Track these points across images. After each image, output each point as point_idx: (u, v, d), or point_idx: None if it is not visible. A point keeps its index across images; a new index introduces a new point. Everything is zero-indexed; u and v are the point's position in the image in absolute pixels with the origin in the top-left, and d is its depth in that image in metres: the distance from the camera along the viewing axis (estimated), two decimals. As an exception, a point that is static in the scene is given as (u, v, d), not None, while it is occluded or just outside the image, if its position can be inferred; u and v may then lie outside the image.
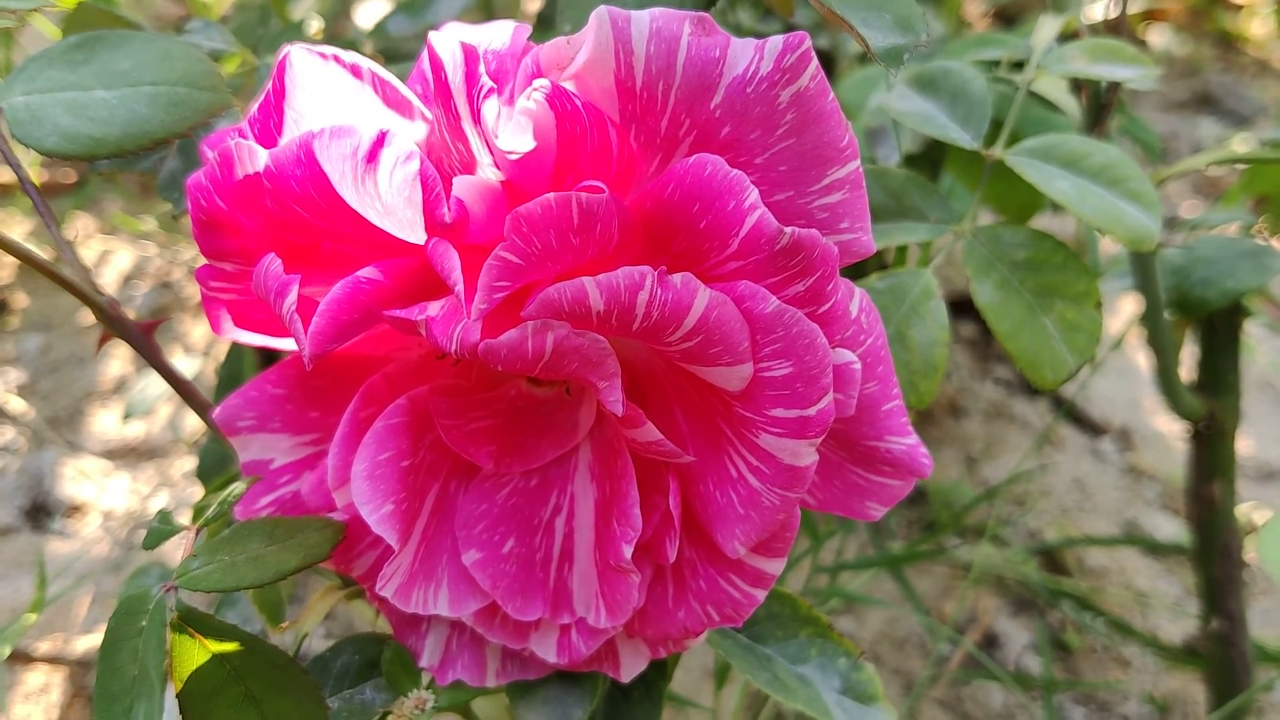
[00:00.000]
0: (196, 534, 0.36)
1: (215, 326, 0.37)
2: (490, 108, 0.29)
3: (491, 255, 0.28)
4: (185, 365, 0.67)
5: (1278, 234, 0.52)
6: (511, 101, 0.31)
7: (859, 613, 0.76)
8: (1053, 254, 0.42)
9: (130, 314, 0.38)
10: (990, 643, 0.77)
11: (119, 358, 0.89)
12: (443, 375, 0.36)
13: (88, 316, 0.93)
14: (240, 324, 0.36)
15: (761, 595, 0.35)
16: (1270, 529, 0.28)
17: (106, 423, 0.85)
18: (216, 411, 0.37)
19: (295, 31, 0.53)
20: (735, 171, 0.29)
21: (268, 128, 0.33)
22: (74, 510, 0.78)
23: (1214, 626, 0.67)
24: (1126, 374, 1.04)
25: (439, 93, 0.31)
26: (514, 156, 0.29)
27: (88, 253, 0.97)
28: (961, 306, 0.98)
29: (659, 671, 0.39)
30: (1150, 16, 1.69)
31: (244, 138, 0.33)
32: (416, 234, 0.30)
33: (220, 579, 0.34)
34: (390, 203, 0.30)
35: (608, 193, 0.28)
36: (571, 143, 0.30)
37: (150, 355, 0.38)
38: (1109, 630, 0.79)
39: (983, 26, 1.52)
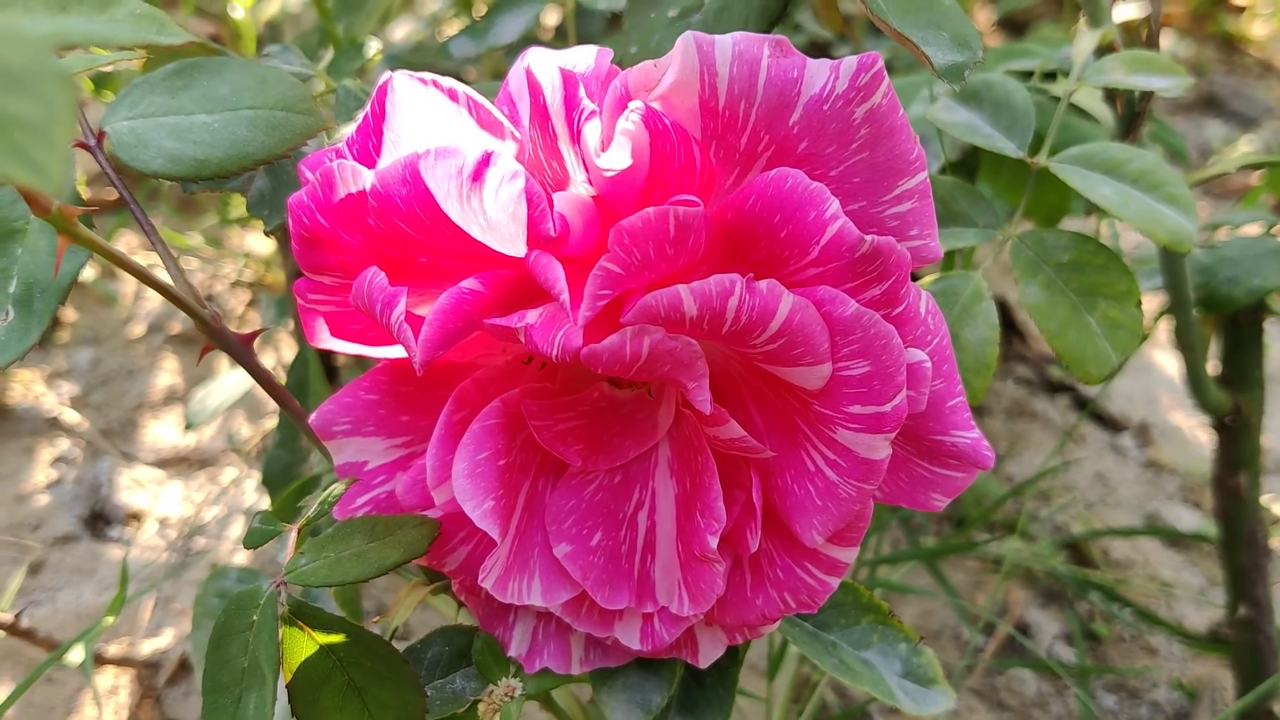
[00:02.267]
0: (297, 534, 0.38)
1: (310, 336, 0.39)
2: (592, 129, 0.31)
3: (597, 266, 0.30)
4: (233, 375, 0.69)
5: (1302, 233, 0.54)
6: (596, 98, 0.33)
7: (895, 605, 0.78)
8: (1095, 255, 0.43)
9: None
10: (1022, 632, 0.79)
11: (167, 370, 0.91)
12: (528, 379, 0.38)
13: (135, 330, 0.95)
14: (336, 334, 0.38)
15: (835, 582, 0.36)
16: None
17: (158, 432, 0.87)
18: (313, 417, 0.39)
19: (356, 53, 0.54)
20: (816, 184, 0.31)
21: (366, 149, 0.35)
22: (131, 518, 0.80)
23: (1241, 613, 0.69)
24: (1145, 371, 1.06)
25: (535, 114, 0.33)
26: (610, 173, 0.31)
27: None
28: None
29: (732, 658, 0.41)
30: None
31: (343, 158, 0.35)
32: (517, 247, 0.32)
33: (327, 574, 0.35)
34: (494, 218, 0.31)
35: (701, 206, 0.30)
36: (661, 159, 0.32)
37: (249, 365, 0.39)
38: (1136, 619, 0.80)
39: (992, 36, 1.53)
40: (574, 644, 0.39)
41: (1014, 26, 1.62)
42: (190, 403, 0.68)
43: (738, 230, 0.33)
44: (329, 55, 0.58)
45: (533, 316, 0.32)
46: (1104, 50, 0.46)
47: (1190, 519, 0.90)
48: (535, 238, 0.31)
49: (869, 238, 0.31)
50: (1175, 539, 0.88)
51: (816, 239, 0.31)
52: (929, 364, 0.34)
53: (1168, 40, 1.83)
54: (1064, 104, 0.45)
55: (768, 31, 0.40)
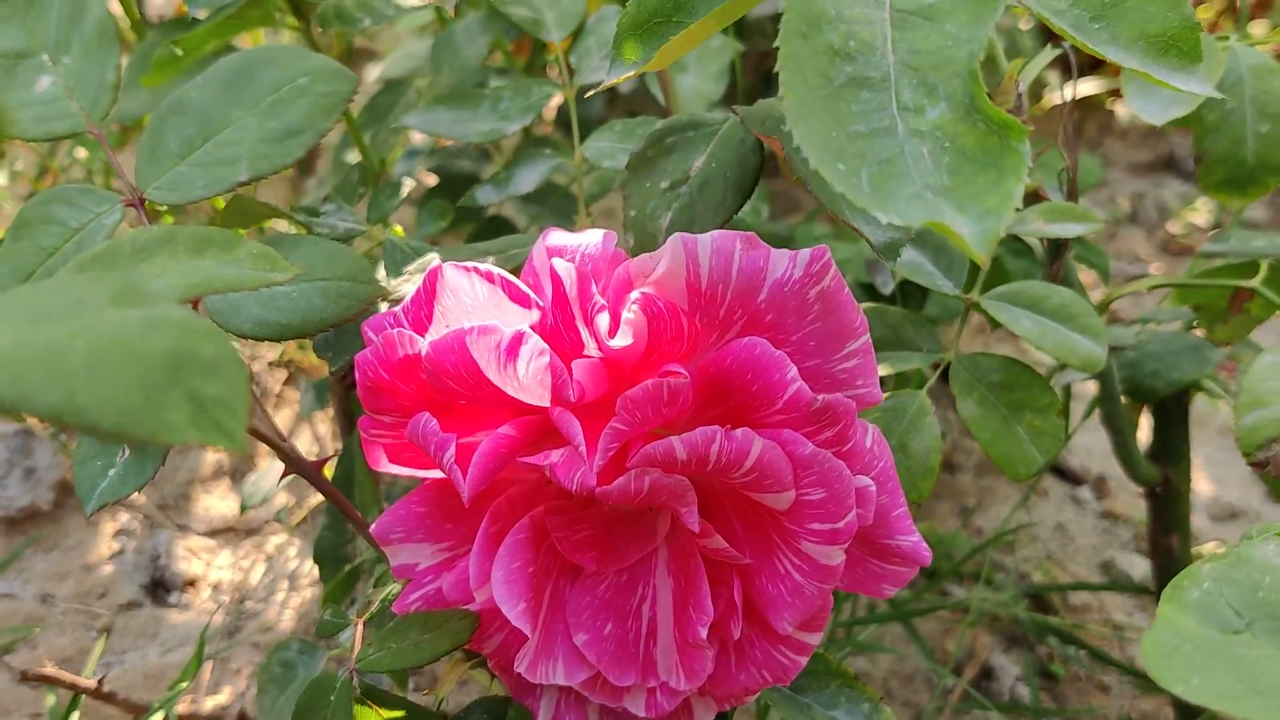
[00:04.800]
0: (362, 625, 0.45)
1: (372, 461, 0.46)
2: (602, 319, 0.38)
3: (608, 426, 0.37)
4: (278, 462, 0.76)
5: (1210, 335, 0.61)
6: (604, 293, 0.41)
7: (872, 653, 0.85)
8: (1021, 375, 0.51)
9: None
10: (987, 675, 0.85)
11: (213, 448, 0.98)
12: (549, 497, 0.45)
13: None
14: (393, 460, 0.46)
15: (804, 660, 0.43)
16: (1151, 636, 0.35)
17: (209, 505, 0.94)
18: (374, 527, 0.46)
19: (394, 192, 0.62)
20: (779, 353, 0.38)
21: (419, 317, 0.42)
22: (188, 584, 0.87)
23: (1178, 658, 0.75)
24: (1101, 429, 1.12)
25: (557, 299, 0.40)
26: (617, 348, 0.38)
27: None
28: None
29: (722, 720, 0.48)
30: (1116, 94, 1.77)
31: (399, 325, 0.42)
32: (543, 401, 0.39)
33: (391, 662, 0.43)
34: (526, 383, 0.39)
35: (688, 376, 0.38)
36: (657, 333, 0.39)
37: (321, 486, 0.47)
38: (1090, 661, 0.87)
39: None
40: (590, 713, 0.46)
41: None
42: (245, 486, 0.75)
43: (718, 382, 0.40)
44: (369, 194, 0.65)
45: (556, 456, 0.39)
46: (1031, 196, 0.53)
47: (1142, 566, 0.97)
48: (558, 399, 0.39)
49: (820, 397, 0.38)
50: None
51: (780, 394, 0.39)
52: (873, 487, 0.41)
53: (1126, 110, 1.91)
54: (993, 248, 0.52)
55: (742, 201, 0.48)
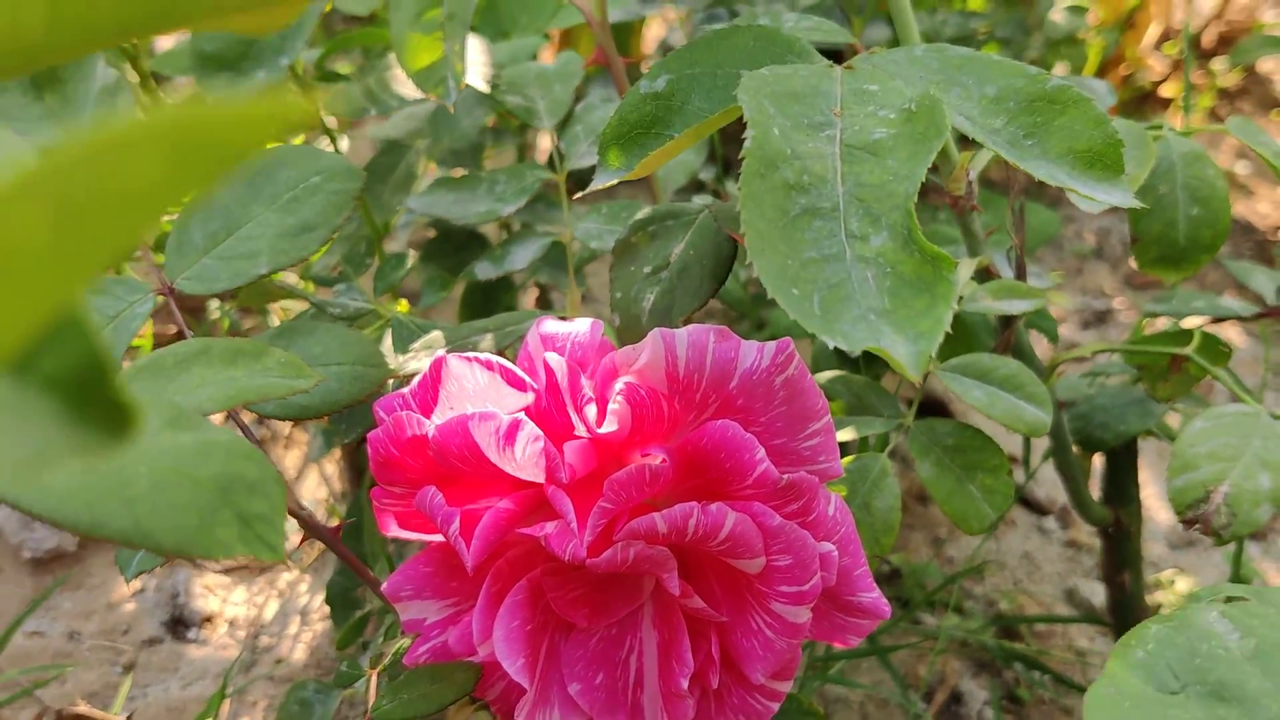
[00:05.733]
0: (376, 675, 0.49)
1: (383, 528, 0.49)
2: (590, 411, 0.41)
3: (596, 505, 0.41)
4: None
5: (1153, 393, 0.64)
6: (592, 378, 0.44)
7: (849, 685, 0.88)
8: (974, 439, 0.54)
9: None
10: (956, 700, 0.89)
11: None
12: (545, 560, 0.48)
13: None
14: (402, 526, 0.49)
15: (776, 706, 0.47)
16: (1095, 689, 0.38)
17: (223, 543, 0.97)
18: (385, 586, 0.49)
19: (399, 264, 0.65)
20: (749, 435, 0.42)
21: (425, 400, 0.46)
22: (206, 621, 0.90)
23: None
24: (1065, 461, 1.16)
25: (550, 387, 0.43)
26: (604, 433, 0.42)
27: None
28: (932, 408, 1.11)
29: (703, 758, 0.51)
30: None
31: (408, 407, 0.46)
32: (538, 479, 0.43)
33: (403, 712, 0.46)
34: (522, 464, 0.42)
35: (668, 460, 0.41)
36: (640, 415, 0.43)
37: (339, 551, 0.50)
38: (1054, 685, 0.90)
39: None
40: (584, 753, 0.49)
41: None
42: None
43: (695, 458, 0.44)
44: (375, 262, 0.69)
45: (550, 528, 0.43)
46: (982, 273, 0.57)
47: (1103, 592, 1.01)
48: (551, 479, 0.42)
49: (786, 476, 0.42)
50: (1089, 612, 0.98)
51: (750, 472, 0.42)
52: (835, 552, 0.44)
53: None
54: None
55: (718, 286, 0.51)
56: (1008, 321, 0.58)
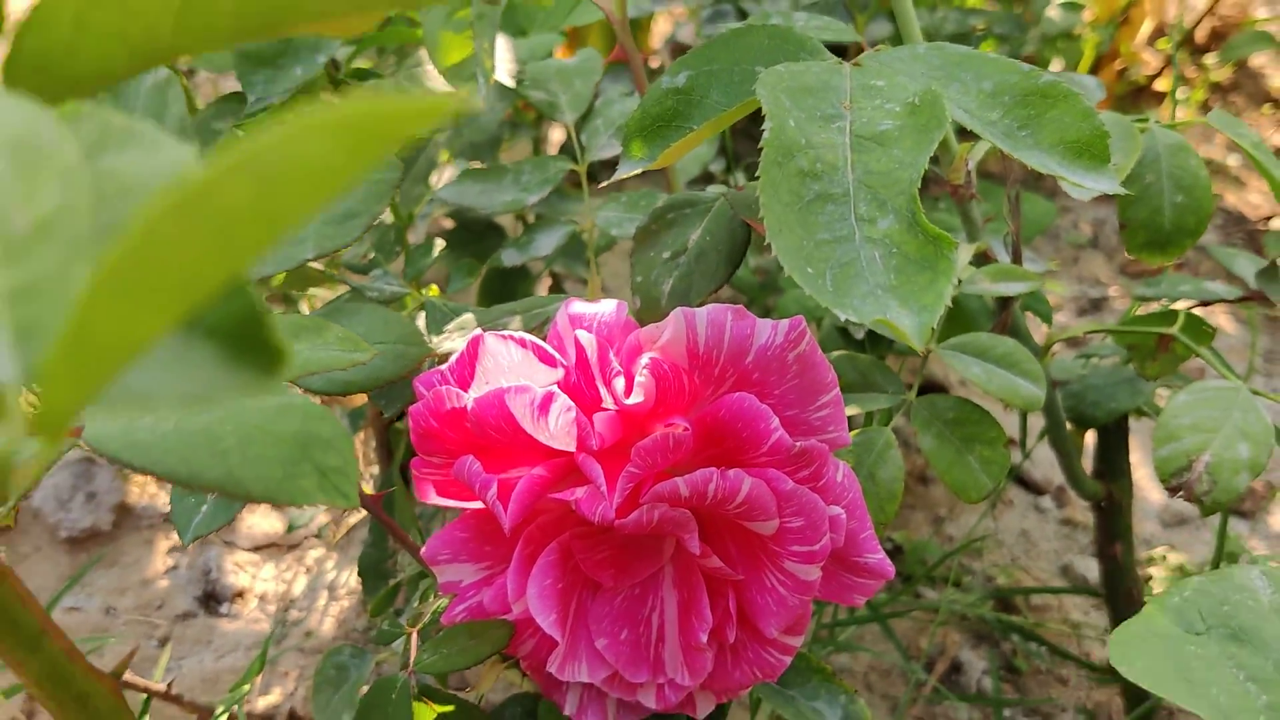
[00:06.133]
0: (417, 634, 0.52)
1: (422, 495, 0.52)
2: (618, 383, 0.44)
3: (625, 469, 0.44)
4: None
5: (1142, 372, 0.67)
6: (619, 355, 0.47)
7: (853, 651, 0.91)
8: (973, 413, 0.57)
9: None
10: (956, 669, 0.92)
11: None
12: (574, 523, 0.51)
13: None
14: (441, 494, 0.52)
15: (789, 660, 0.50)
16: (1126, 625, 0.41)
17: (253, 522, 1.00)
18: (424, 550, 0.52)
19: (427, 251, 0.68)
20: (764, 406, 0.45)
21: (463, 375, 0.49)
22: (237, 595, 0.93)
23: (1124, 652, 0.82)
24: (1061, 443, 1.19)
25: (580, 363, 0.46)
26: (631, 404, 0.45)
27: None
28: (932, 389, 1.13)
29: (720, 713, 0.55)
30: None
31: (446, 382, 0.49)
32: (569, 448, 0.46)
33: (443, 665, 0.49)
34: (555, 433, 0.45)
35: (689, 429, 0.44)
36: (664, 390, 0.46)
37: (380, 517, 0.53)
38: (1050, 656, 0.94)
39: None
40: (609, 706, 0.52)
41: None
42: (291, 511, 0.81)
43: (714, 428, 0.47)
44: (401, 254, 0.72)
45: (580, 493, 0.46)
46: (980, 258, 0.60)
47: (1096, 568, 1.04)
48: (582, 447, 0.45)
49: (799, 443, 0.45)
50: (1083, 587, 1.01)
51: (765, 440, 0.45)
52: (844, 515, 0.47)
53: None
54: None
55: (733, 270, 0.54)
56: (1004, 304, 0.61)
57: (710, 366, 0.46)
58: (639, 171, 0.48)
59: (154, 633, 0.89)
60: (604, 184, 0.52)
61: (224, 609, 0.92)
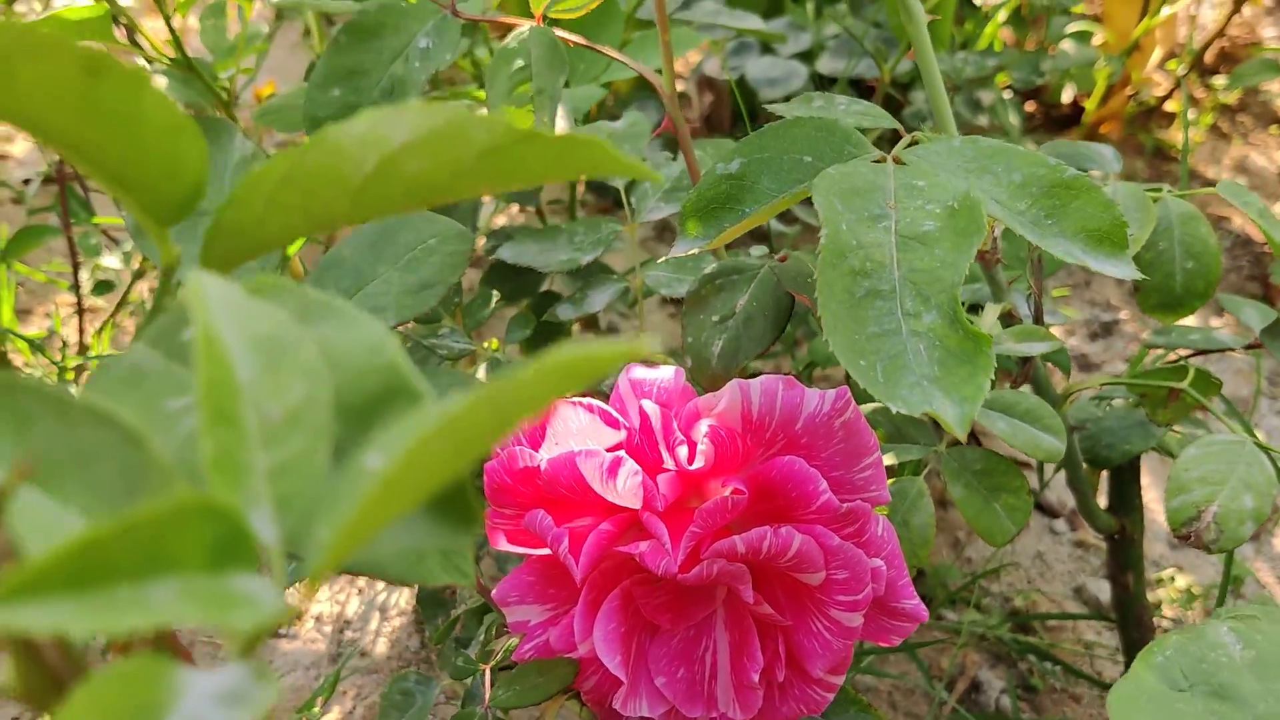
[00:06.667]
0: (490, 670, 0.56)
1: (493, 542, 0.57)
2: (682, 451, 0.49)
3: (687, 532, 0.48)
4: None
5: (1153, 418, 0.71)
6: (677, 416, 0.51)
7: (878, 675, 0.95)
8: (999, 464, 0.61)
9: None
10: (976, 689, 0.96)
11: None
12: (634, 571, 0.55)
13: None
14: (511, 542, 0.56)
15: (831, 696, 0.54)
16: (1119, 686, 0.44)
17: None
18: (494, 592, 0.56)
19: (485, 303, 0.72)
20: (812, 469, 0.49)
21: (534, 436, 0.53)
22: (295, 618, 0.97)
23: (1136, 675, 0.86)
24: (1074, 467, 1.23)
25: (643, 427, 0.51)
26: (693, 470, 0.49)
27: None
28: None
29: (766, 740, 0.59)
30: (1091, 135, 1.85)
31: (519, 443, 0.53)
32: (634, 506, 0.50)
33: (517, 700, 0.53)
34: (622, 494, 0.49)
35: (745, 493, 0.48)
36: (720, 452, 0.50)
37: (455, 562, 0.57)
38: (1065, 675, 0.97)
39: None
40: (665, 736, 0.57)
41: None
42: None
43: (766, 487, 0.51)
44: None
45: (644, 547, 0.50)
46: (1005, 318, 0.64)
47: (1108, 589, 1.07)
48: (647, 505, 0.49)
49: (845, 505, 0.49)
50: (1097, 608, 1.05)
51: (814, 501, 0.49)
52: (884, 566, 0.51)
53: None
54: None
55: (778, 334, 0.58)
56: (1026, 359, 0.65)
57: (762, 431, 0.50)
58: (695, 252, 0.52)
59: (218, 654, 0.94)
60: (663, 259, 0.56)
61: (282, 630, 0.96)
